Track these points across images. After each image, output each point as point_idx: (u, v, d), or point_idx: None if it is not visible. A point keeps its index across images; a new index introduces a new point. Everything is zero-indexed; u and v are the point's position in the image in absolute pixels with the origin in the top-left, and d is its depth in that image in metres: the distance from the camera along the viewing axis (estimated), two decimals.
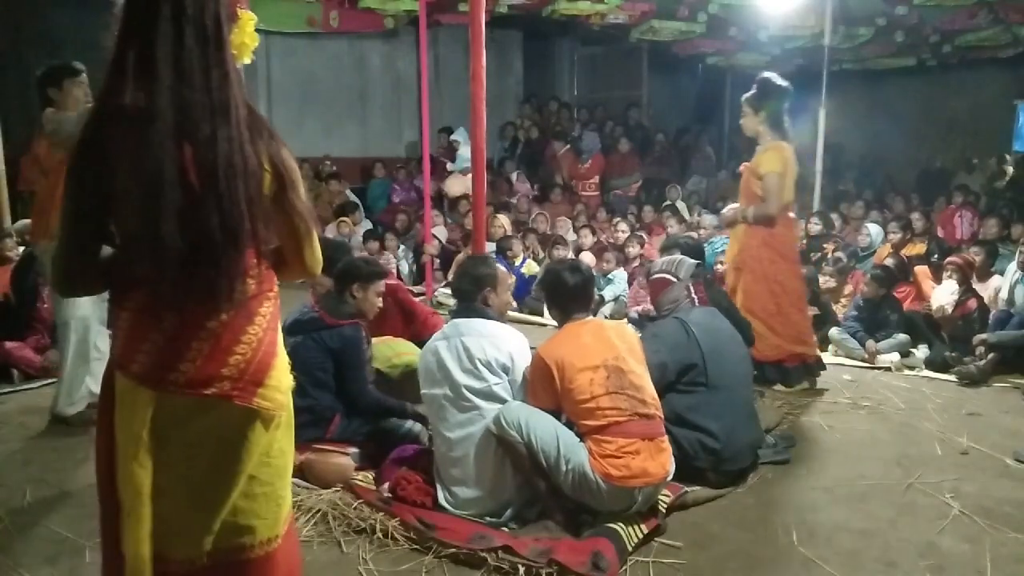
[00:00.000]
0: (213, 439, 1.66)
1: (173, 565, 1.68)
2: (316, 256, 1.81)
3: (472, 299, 3.21)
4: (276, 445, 1.75)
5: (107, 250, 1.67)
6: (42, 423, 4.09)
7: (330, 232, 8.95)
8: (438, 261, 7.89)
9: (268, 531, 1.76)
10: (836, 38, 9.56)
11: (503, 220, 8.57)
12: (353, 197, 9.67)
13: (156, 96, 1.52)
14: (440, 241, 8.56)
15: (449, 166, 9.87)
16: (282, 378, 1.73)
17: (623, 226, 8.22)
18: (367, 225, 8.93)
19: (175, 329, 1.61)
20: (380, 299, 3.72)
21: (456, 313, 3.28)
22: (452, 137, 9.90)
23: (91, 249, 1.65)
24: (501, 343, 3.06)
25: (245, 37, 1.71)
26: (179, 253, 1.55)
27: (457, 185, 9.57)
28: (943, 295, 5.90)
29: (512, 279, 5.21)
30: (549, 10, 9.77)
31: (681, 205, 9.61)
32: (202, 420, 1.64)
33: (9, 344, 4.87)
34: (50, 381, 4.55)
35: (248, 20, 1.73)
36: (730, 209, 4.81)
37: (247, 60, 1.74)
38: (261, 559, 1.76)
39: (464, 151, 9.54)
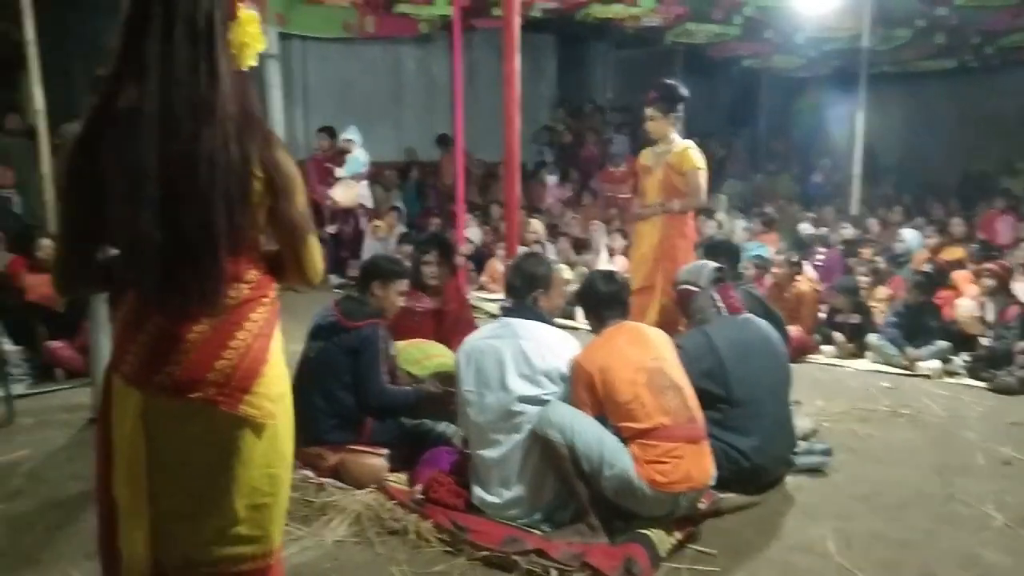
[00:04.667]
0: (204, 444, 1.62)
1: (171, 571, 1.66)
2: (314, 264, 1.74)
3: (522, 297, 3.19)
4: (273, 454, 1.69)
5: (114, 252, 1.66)
6: (84, 421, 4.17)
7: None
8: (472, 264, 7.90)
9: (265, 545, 1.71)
10: (874, 40, 9.43)
11: (537, 225, 8.56)
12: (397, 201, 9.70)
13: (144, 94, 1.53)
14: (474, 244, 8.58)
15: (337, 172, 8.46)
16: (272, 385, 1.67)
17: None
18: (401, 229, 8.98)
19: (160, 331, 1.59)
20: (402, 298, 3.71)
21: (509, 311, 3.25)
22: (345, 137, 8.56)
23: (84, 249, 1.65)
24: (561, 351, 3.05)
25: (246, 37, 1.65)
26: (159, 251, 1.53)
27: (347, 193, 8.39)
28: (964, 309, 5.79)
29: None
30: (583, 13, 9.76)
31: (721, 216, 9.01)
32: (192, 424, 1.61)
33: (54, 344, 5.00)
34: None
35: (249, 20, 1.65)
36: (642, 206, 4.82)
37: (251, 62, 1.66)
38: (257, 572, 1.72)
39: (359, 153, 8.53)
